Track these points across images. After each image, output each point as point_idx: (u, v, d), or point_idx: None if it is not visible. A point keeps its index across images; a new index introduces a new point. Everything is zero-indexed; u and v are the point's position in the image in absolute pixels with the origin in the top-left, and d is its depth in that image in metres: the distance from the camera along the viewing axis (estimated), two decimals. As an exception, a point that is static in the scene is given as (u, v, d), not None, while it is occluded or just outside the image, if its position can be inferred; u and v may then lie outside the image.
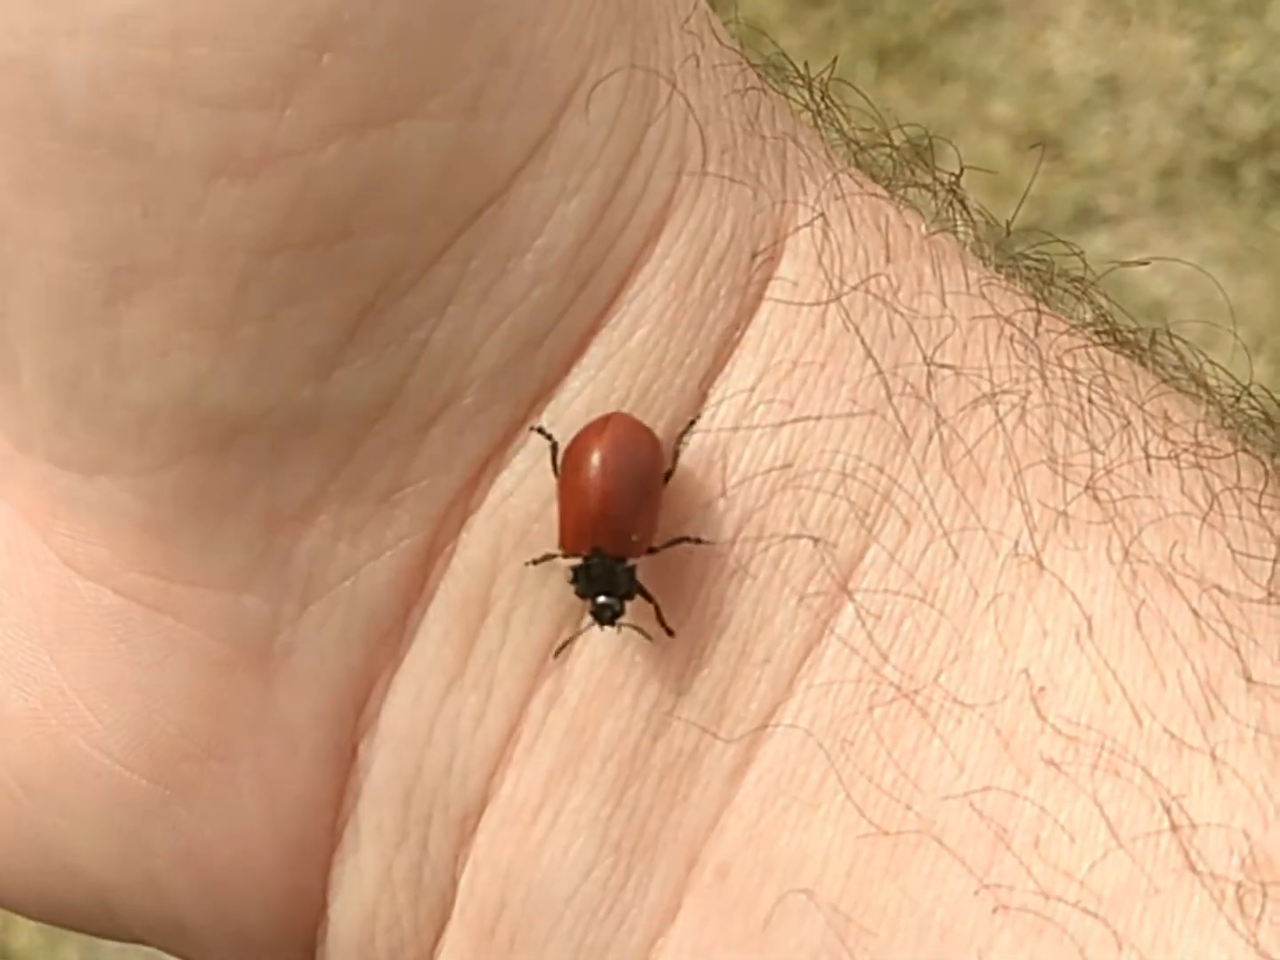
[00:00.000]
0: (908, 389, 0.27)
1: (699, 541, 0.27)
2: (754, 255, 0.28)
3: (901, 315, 0.28)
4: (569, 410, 0.27)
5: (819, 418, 0.27)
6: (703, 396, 0.27)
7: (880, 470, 0.27)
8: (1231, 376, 0.29)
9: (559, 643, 0.28)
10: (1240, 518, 0.27)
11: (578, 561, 0.27)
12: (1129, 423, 0.28)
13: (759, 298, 0.28)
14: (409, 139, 0.25)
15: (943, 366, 0.28)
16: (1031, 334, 0.28)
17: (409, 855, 0.29)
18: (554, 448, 0.27)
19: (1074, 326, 0.29)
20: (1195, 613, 0.26)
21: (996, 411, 0.27)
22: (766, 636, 0.27)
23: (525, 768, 0.28)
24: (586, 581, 0.27)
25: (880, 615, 0.27)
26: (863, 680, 0.27)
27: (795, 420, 0.27)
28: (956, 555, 0.27)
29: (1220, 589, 0.26)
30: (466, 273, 0.27)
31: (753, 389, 0.27)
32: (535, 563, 0.28)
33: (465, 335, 0.27)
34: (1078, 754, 0.26)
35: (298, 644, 0.28)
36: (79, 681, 0.29)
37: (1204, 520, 0.27)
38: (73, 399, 0.27)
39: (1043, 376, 0.28)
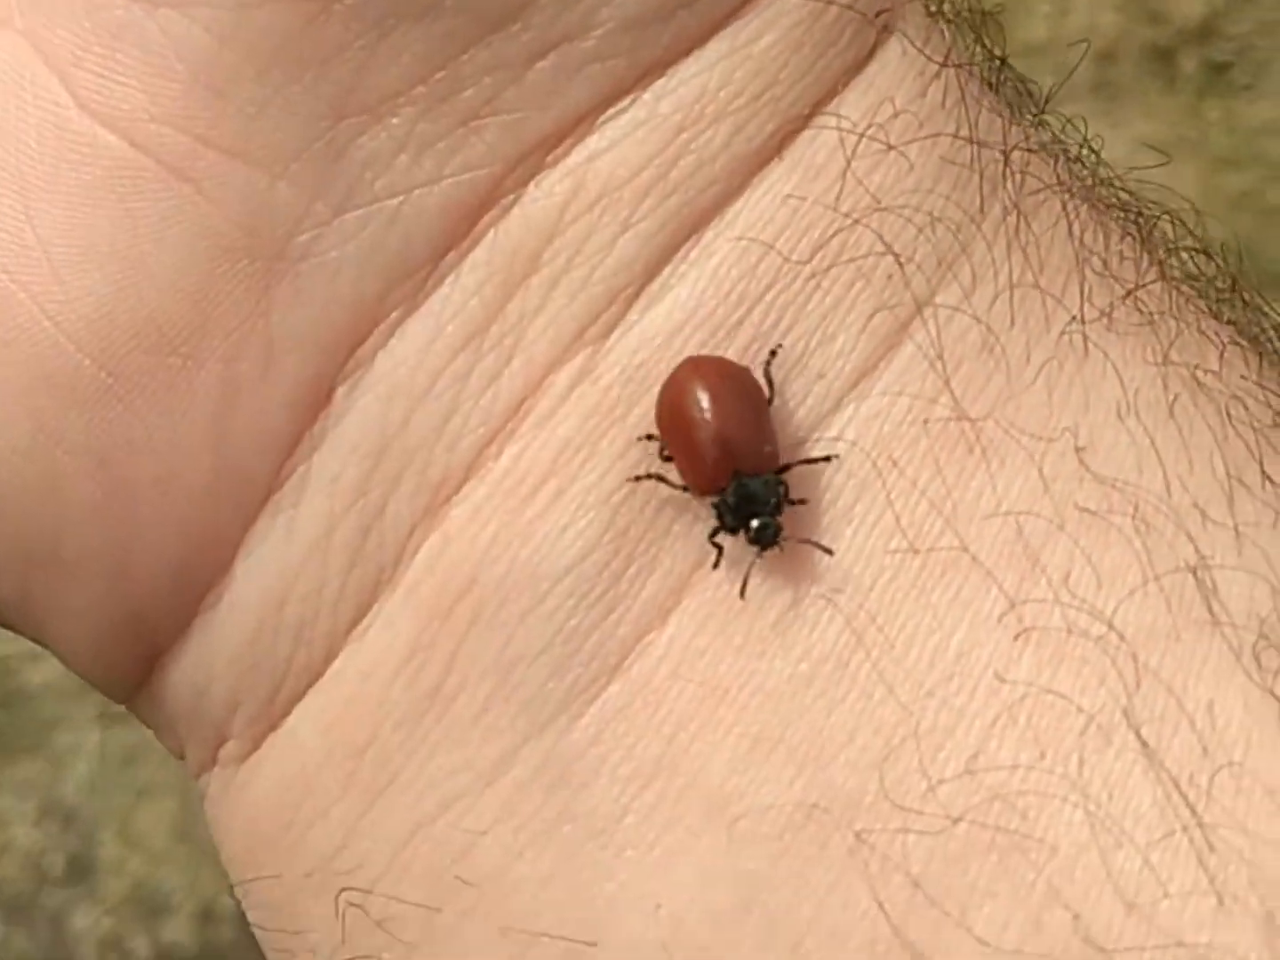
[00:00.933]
0: (991, 164, 0.28)
1: (827, 459, 0.27)
2: (878, 13, 0.28)
3: (988, 108, 0.29)
4: (677, 92, 0.27)
5: (913, 165, 0.28)
6: (807, 120, 0.27)
7: (960, 226, 0.28)
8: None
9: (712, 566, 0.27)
10: (1254, 354, 0.29)
11: (714, 499, 0.27)
12: (1159, 261, 0.29)
13: (873, 53, 0.28)
14: None
15: (1025, 150, 0.29)
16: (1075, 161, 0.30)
17: (359, 517, 0.28)
18: (653, 438, 0.27)
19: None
20: (1224, 414, 0.27)
21: (1063, 204, 0.28)
22: (825, 353, 0.27)
23: (533, 441, 0.27)
24: (733, 512, 0.27)
25: (943, 349, 0.27)
26: (919, 400, 0.27)
27: (893, 148, 0.28)
28: (1014, 319, 0.27)
29: (1243, 402, 0.27)
30: None
31: (855, 123, 0.27)
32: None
33: None
34: (1111, 505, 0.26)
35: (316, 252, 0.27)
36: (54, 239, 0.27)
37: (1221, 353, 0.28)
38: None
39: (1090, 195, 0.29)
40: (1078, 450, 0.27)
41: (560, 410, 0.27)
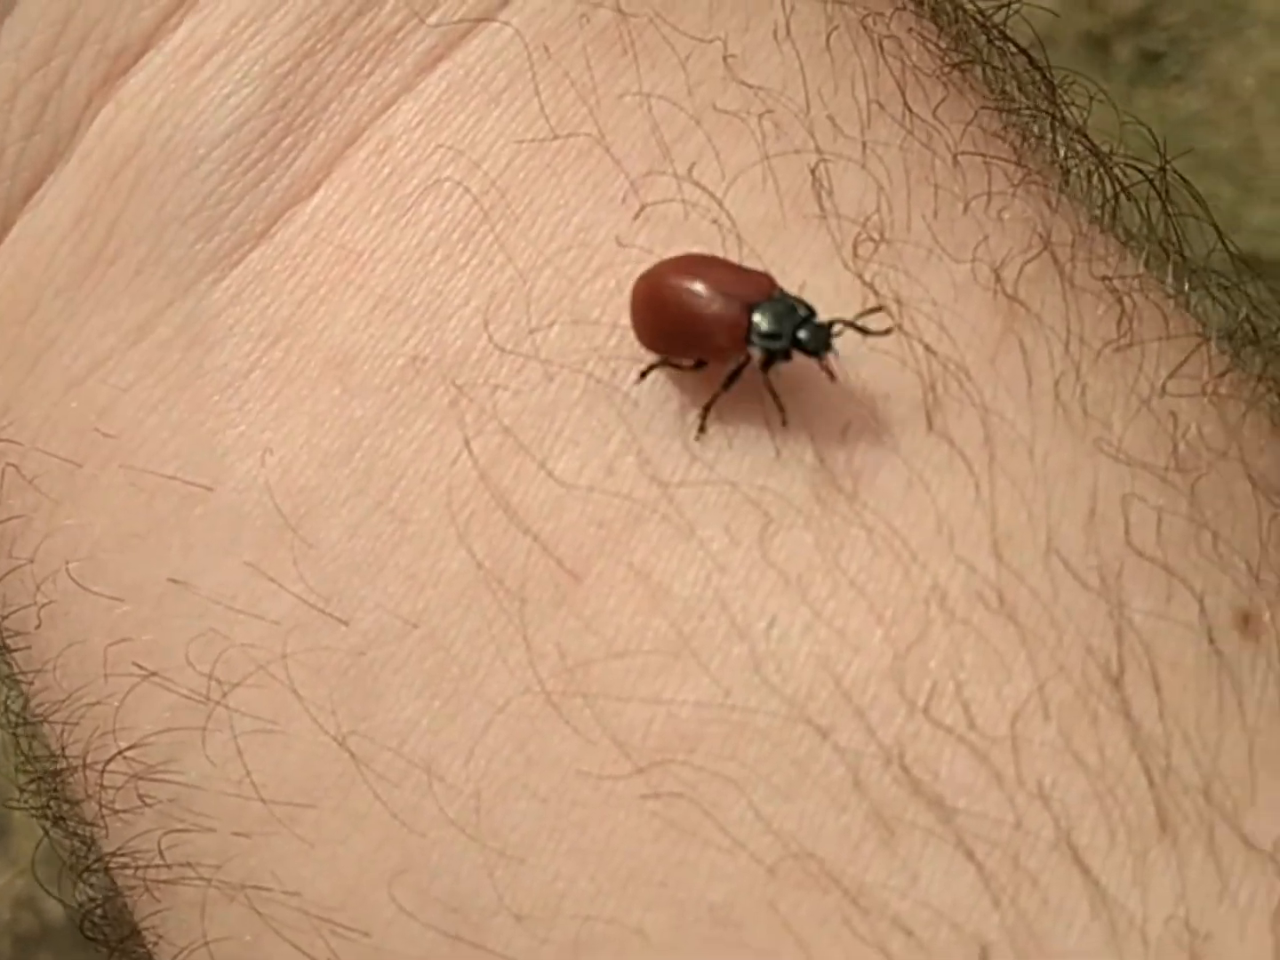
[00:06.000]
0: None
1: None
2: None
3: None
4: None
5: None
6: None
7: None
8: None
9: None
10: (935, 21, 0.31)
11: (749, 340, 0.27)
12: None
13: None
14: None
15: None
16: None
17: (41, 84, 0.29)
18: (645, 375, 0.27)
19: None
20: (878, 50, 0.29)
21: None
22: None
23: (211, 13, 0.28)
24: (772, 337, 0.27)
25: None
26: (584, 2, 0.28)
27: None
28: None
29: (901, 43, 0.29)
30: None
31: None
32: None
33: None
34: (749, 108, 0.28)
35: None
36: None
37: (899, 8, 0.30)
38: None
39: None
40: (726, 58, 0.28)
41: None
